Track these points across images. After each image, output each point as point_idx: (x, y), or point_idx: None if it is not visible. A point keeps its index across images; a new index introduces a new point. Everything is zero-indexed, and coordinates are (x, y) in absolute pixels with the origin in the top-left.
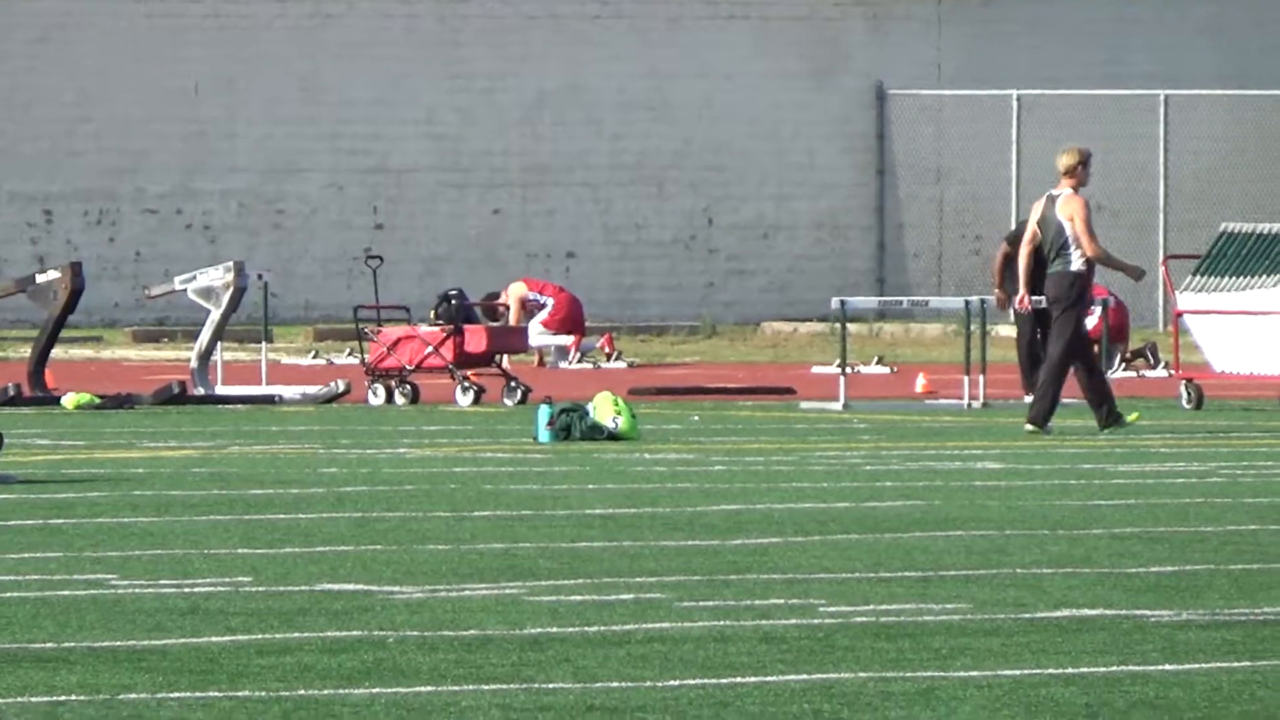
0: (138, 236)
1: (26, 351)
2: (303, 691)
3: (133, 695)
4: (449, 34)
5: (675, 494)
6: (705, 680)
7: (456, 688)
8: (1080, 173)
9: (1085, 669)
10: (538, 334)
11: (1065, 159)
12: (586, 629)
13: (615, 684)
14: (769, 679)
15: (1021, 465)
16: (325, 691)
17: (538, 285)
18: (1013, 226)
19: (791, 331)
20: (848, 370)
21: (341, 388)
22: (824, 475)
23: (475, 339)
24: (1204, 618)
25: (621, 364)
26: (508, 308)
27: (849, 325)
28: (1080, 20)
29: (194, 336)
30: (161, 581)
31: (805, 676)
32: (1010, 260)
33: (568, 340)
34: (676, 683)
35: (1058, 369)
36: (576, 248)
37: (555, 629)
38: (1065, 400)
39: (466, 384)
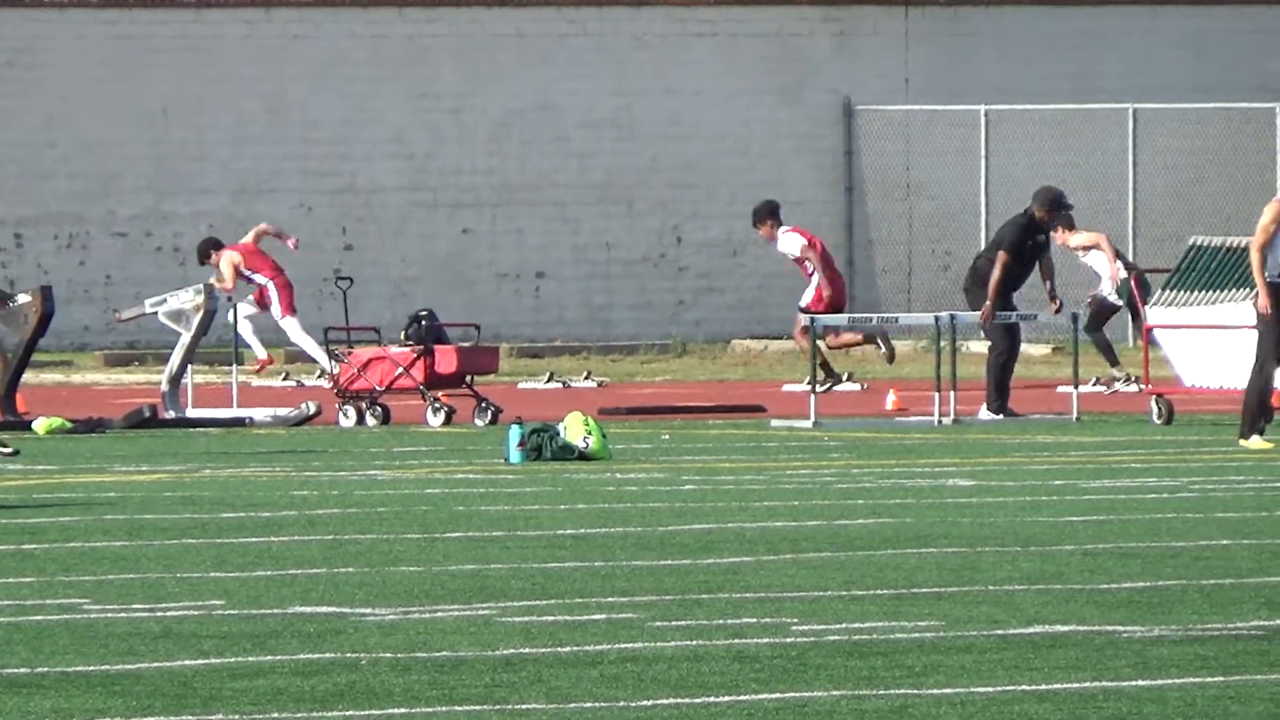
0: (108, 260)
1: None
2: (276, 714)
3: None
4: (417, 53)
5: (646, 514)
6: (678, 700)
7: (430, 709)
8: None
9: (1058, 685)
10: None
11: None
12: (559, 649)
13: (589, 704)
14: (742, 698)
15: (992, 482)
16: (299, 714)
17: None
18: (982, 242)
19: (762, 349)
20: (818, 388)
21: (312, 410)
22: (795, 493)
23: (446, 360)
24: (1177, 633)
25: (591, 383)
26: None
27: (819, 342)
28: (1049, 34)
29: (165, 360)
30: (134, 605)
31: (778, 695)
32: (1008, 271)
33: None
34: (650, 703)
35: (1256, 378)
36: (546, 267)
37: (528, 650)
38: (1036, 416)
39: (437, 405)
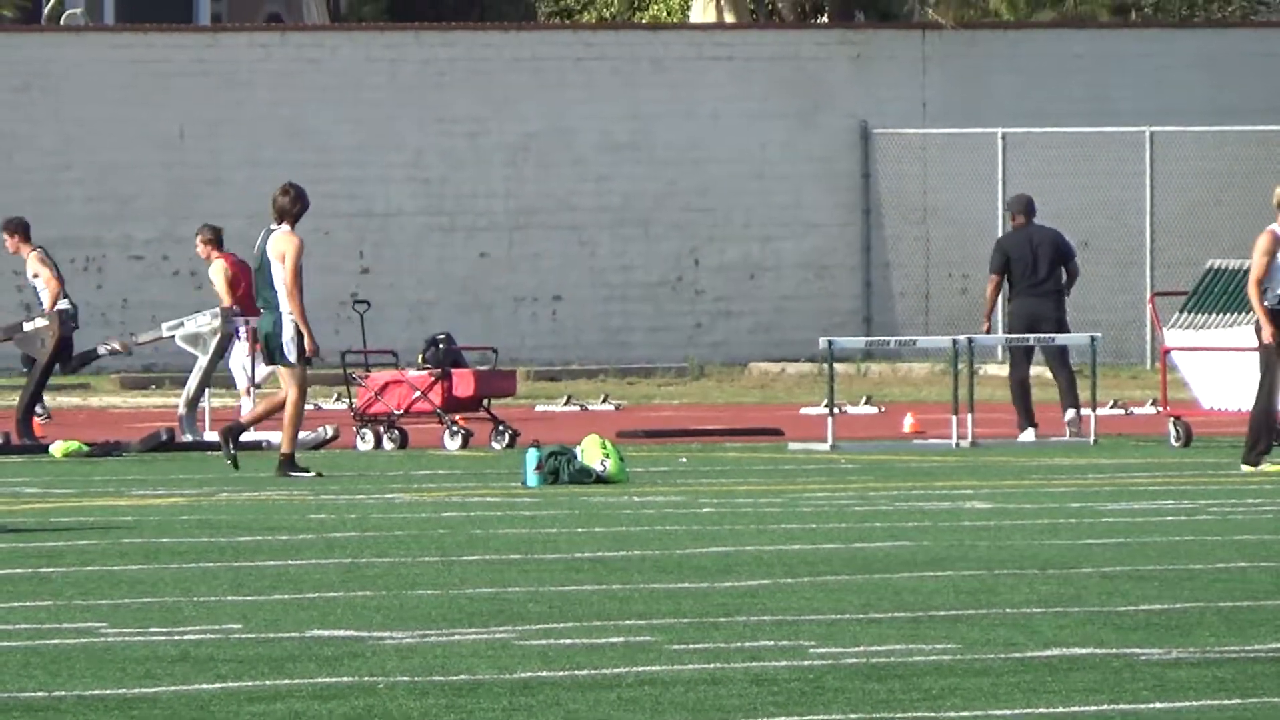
0: (124, 283)
1: (14, 399)
2: None
3: None
4: (433, 77)
5: (664, 536)
6: None
7: None
8: None
9: (1076, 708)
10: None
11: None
12: (577, 672)
13: None
14: None
15: (1010, 505)
16: None
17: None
18: None
19: (779, 372)
20: (835, 411)
21: (330, 433)
22: (813, 516)
23: (463, 383)
24: (1194, 656)
25: (609, 406)
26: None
27: (836, 365)
28: (1066, 57)
29: (182, 383)
30: (151, 629)
31: (796, 718)
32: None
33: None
34: None
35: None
36: (563, 290)
37: (546, 673)
38: (1053, 439)
39: (455, 428)
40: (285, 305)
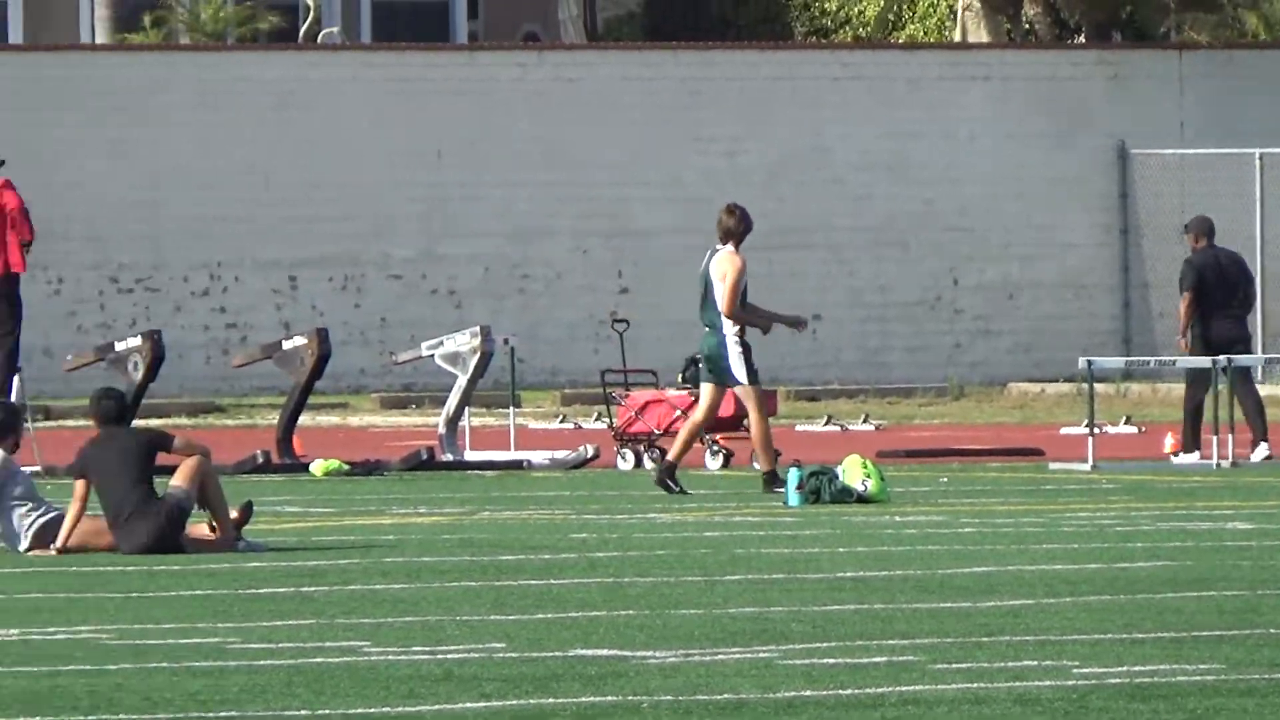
0: (383, 302)
1: (274, 418)
2: None
3: None
4: (689, 96)
5: (926, 556)
6: None
7: None
8: None
9: None
10: None
11: None
12: (840, 692)
13: None
14: None
15: (1272, 525)
16: None
17: None
18: (1259, 284)
19: (1039, 392)
20: (1096, 431)
21: (590, 453)
22: (1074, 536)
23: (724, 402)
24: None
25: (869, 426)
26: None
27: (1096, 385)
28: None
29: (441, 402)
30: (414, 648)
31: None
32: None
33: None
34: None
35: None
36: (822, 309)
37: (809, 692)
38: None
39: (715, 448)
40: (728, 326)
